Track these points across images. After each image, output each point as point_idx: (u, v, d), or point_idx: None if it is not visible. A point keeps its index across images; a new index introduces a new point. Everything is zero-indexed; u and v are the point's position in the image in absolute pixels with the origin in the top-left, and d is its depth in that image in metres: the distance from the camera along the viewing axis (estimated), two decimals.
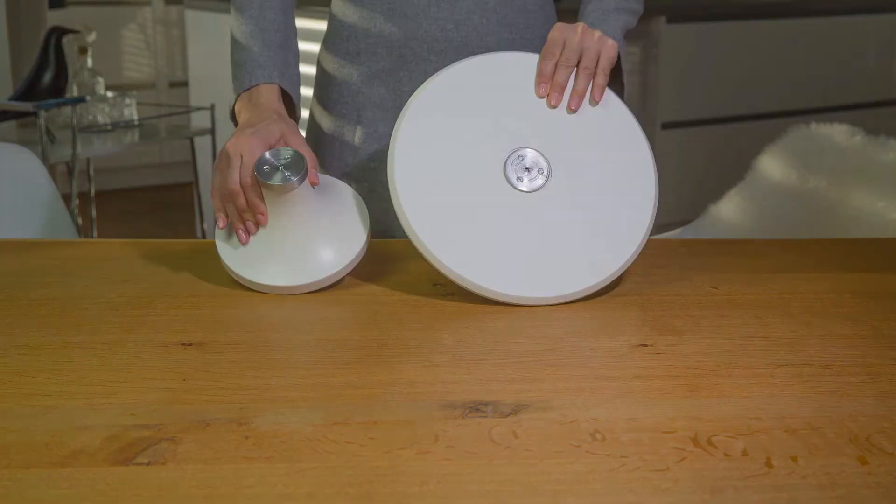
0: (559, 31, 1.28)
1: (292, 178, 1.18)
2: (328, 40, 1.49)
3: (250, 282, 1.22)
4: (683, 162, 3.53)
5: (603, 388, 0.97)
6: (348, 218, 1.26)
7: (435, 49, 1.41)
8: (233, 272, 1.23)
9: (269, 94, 1.30)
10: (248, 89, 1.31)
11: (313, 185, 1.21)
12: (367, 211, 1.27)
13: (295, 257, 1.22)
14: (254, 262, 1.22)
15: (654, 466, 0.82)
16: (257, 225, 1.22)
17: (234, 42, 1.35)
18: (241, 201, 1.21)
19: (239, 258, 1.23)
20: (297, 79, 1.36)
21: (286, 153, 1.20)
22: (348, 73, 1.45)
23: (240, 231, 1.22)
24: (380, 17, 1.41)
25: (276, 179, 1.18)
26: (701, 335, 1.10)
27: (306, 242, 1.22)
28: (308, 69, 1.69)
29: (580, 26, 1.28)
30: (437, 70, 1.38)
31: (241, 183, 1.20)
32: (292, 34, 1.38)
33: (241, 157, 1.20)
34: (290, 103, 1.35)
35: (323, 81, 1.50)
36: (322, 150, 1.50)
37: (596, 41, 1.27)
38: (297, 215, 1.21)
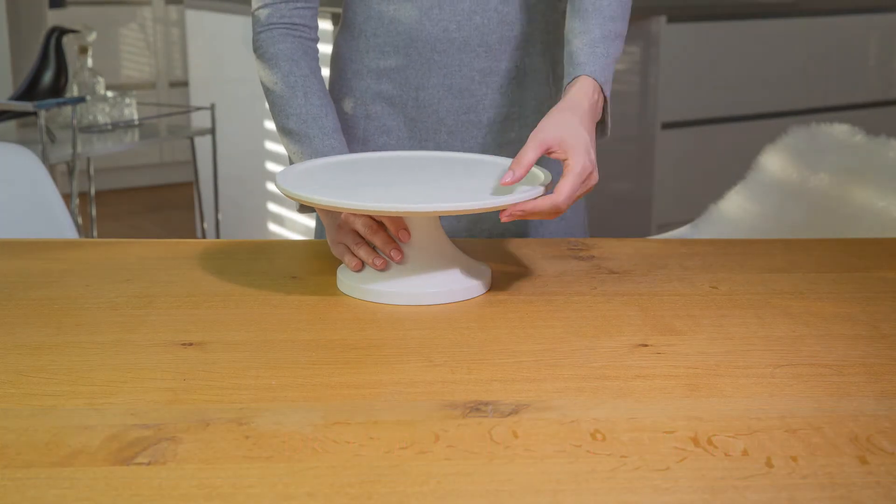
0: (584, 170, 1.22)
1: None
2: (342, 32, 1.50)
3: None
4: (683, 162, 3.53)
5: (603, 388, 0.97)
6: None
7: (438, 49, 1.43)
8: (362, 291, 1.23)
9: None
10: None
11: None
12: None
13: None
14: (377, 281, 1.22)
15: (654, 466, 0.82)
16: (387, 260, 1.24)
17: (287, 131, 1.37)
18: (384, 235, 1.24)
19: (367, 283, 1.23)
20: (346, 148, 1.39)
21: None
22: (358, 69, 1.47)
23: (377, 261, 1.23)
24: (386, 18, 1.44)
25: None
26: (701, 335, 1.10)
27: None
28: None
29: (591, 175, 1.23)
30: (440, 68, 1.41)
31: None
32: (331, 106, 1.40)
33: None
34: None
35: (334, 73, 1.51)
36: None
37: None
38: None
